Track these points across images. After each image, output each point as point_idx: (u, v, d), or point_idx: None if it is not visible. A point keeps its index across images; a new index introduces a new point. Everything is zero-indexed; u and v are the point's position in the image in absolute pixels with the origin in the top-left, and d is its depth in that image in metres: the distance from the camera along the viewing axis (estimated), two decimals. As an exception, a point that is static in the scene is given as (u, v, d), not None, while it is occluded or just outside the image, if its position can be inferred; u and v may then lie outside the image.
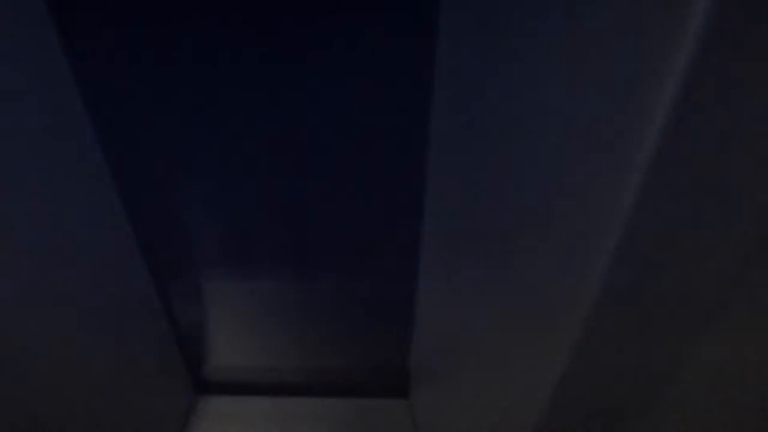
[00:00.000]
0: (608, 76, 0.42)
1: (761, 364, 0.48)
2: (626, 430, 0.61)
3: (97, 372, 0.94)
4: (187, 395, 1.49)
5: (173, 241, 1.18)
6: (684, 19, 0.31)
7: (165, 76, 0.90)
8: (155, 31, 0.84)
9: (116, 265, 0.99)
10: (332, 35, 0.85)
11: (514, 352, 0.72)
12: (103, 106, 0.89)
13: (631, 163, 0.39)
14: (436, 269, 1.09)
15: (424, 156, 1.00)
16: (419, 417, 1.45)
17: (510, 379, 0.75)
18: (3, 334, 0.64)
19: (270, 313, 1.38)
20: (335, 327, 1.42)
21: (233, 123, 0.97)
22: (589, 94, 0.45)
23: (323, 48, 0.87)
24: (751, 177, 0.38)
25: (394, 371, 1.48)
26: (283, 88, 0.93)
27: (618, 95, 0.40)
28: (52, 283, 0.74)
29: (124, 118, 0.94)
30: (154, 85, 0.91)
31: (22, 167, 0.66)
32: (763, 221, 0.40)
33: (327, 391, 1.53)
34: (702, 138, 0.35)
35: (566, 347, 0.54)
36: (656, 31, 0.34)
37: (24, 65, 0.65)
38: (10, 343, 0.66)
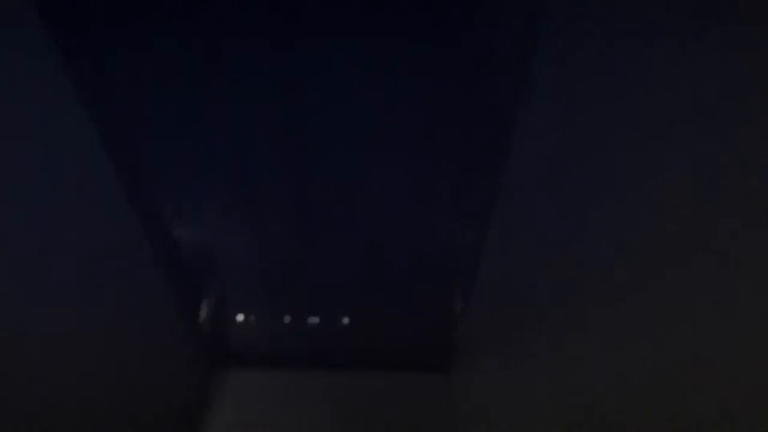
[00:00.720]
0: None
1: None
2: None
3: (115, 346, 0.88)
4: (209, 369, 1.42)
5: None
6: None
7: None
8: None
9: (129, 243, 0.96)
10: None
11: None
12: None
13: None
14: (505, 235, 0.98)
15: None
16: (459, 394, 1.35)
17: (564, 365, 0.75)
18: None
19: (298, 278, 1.27)
20: (372, 292, 1.30)
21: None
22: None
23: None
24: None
25: (436, 344, 1.37)
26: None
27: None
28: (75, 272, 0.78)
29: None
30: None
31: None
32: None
33: (358, 364, 1.43)
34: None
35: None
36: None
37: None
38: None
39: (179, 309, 1.16)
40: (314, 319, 1.34)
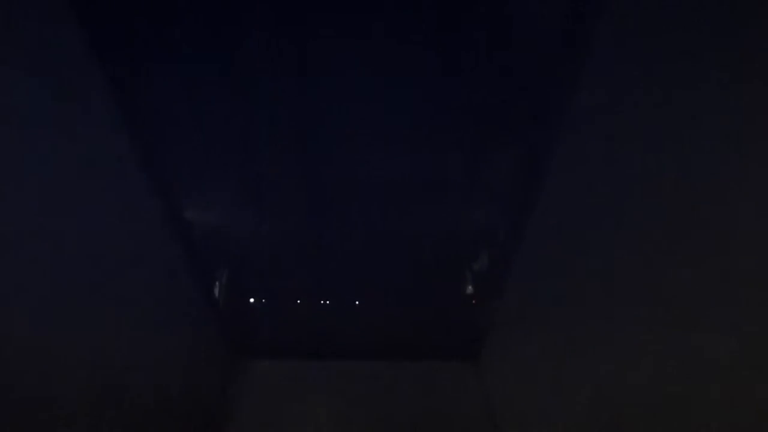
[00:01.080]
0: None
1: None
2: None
3: (136, 335, 0.87)
4: (231, 359, 1.41)
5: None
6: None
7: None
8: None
9: (156, 237, 0.98)
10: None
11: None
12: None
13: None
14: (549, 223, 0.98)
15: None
16: (489, 381, 1.32)
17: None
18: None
19: (322, 264, 1.25)
20: (396, 279, 1.28)
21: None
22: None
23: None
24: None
25: (464, 331, 1.34)
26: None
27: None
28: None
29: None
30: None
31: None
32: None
33: (385, 353, 1.41)
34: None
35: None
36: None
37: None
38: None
39: (197, 300, 1.16)
40: (332, 305, 1.32)
